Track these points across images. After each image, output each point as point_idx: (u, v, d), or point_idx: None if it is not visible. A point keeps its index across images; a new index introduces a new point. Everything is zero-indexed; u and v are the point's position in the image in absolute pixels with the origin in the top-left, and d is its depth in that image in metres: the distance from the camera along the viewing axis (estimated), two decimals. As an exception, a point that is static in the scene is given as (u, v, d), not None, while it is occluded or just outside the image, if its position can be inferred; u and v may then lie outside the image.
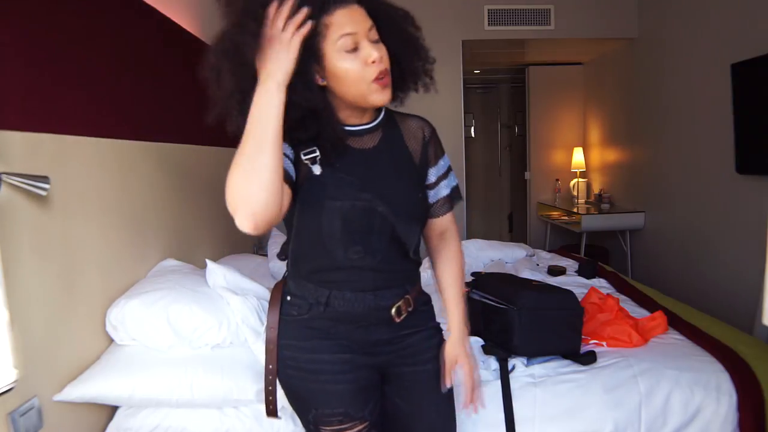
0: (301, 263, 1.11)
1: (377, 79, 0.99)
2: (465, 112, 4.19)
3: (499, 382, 1.55)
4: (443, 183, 1.19)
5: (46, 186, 1.21)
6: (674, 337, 1.83)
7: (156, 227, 1.96)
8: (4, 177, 1.13)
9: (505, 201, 6.50)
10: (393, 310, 1.11)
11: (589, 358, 1.63)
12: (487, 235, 4.62)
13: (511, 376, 1.57)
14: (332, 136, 1.03)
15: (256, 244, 3.37)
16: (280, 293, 1.15)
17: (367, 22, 0.99)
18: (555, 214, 4.84)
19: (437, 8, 3.88)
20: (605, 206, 4.36)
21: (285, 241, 1.17)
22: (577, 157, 4.98)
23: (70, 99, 1.47)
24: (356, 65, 0.98)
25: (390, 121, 1.15)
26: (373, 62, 0.97)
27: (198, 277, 1.78)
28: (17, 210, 1.22)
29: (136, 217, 1.80)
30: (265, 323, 1.19)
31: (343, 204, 1.03)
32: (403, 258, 1.12)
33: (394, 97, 1.09)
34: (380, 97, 1.01)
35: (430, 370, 1.18)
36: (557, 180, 5.12)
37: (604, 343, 1.75)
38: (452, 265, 1.23)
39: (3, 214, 1.17)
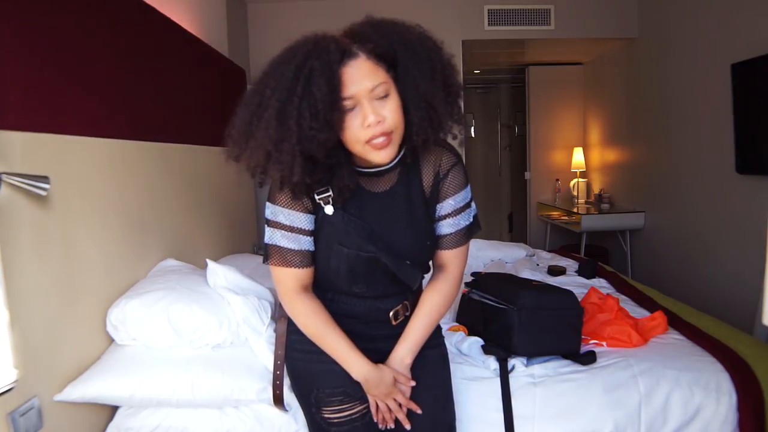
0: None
1: (370, 141, 0.97)
2: (465, 112, 4.20)
3: (498, 382, 1.55)
4: (449, 221, 1.16)
5: (46, 186, 1.21)
6: (674, 337, 1.83)
7: (156, 227, 1.96)
8: (4, 177, 1.14)
9: (505, 201, 6.50)
10: (391, 314, 1.18)
11: (589, 358, 1.63)
12: (487, 235, 4.62)
13: (511, 375, 1.57)
14: (343, 182, 1.04)
15: (256, 244, 3.37)
16: None
17: (372, 81, 0.95)
18: (555, 214, 4.84)
19: (437, 8, 3.88)
20: (605, 206, 4.36)
21: None
22: (577, 157, 4.98)
23: (70, 98, 1.47)
24: (354, 124, 0.97)
25: (413, 153, 1.12)
26: (367, 126, 0.96)
27: (198, 277, 1.78)
28: (17, 210, 1.22)
29: (136, 217, 1.80)
30: (271, 334, 1.33)
31: (349, 252, 1.07)
32: (402, 286, 1.17)
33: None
34: (377, 156, 0.99)
35: (427, 356, 1.21)
36: (557, 180, 5.12)
37: (604, 343, 1.75)
38: (434, 299, 1.19)
39: (3, 214, 1.17)
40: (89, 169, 1.55)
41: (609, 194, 4.47)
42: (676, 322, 1.92)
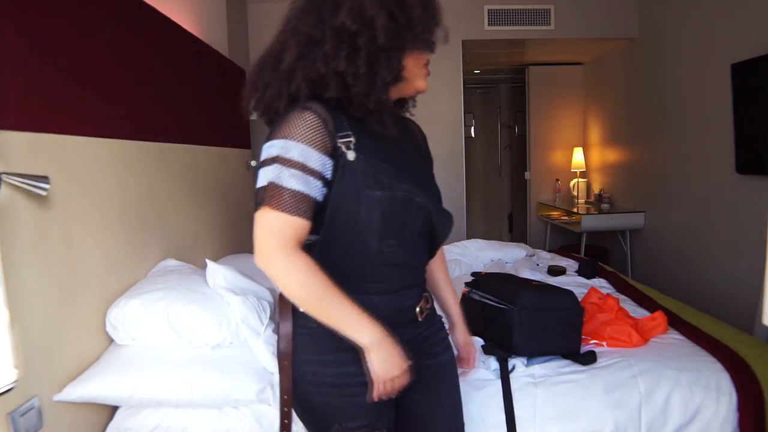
0: (326, 262, 0.99)
1: (427, 65, 1.06)
2: (465, 112, 4.19)
3: (499, 383, 1.55)
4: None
5: (46, 186, 1.21)
6: (674, 337, 1.83)
7: (156, 227, 1.96)
8: (4, 177, 1.13)
9: (505, 201, 6.49)
10: (417, 309, 1.11)
11: (589, 358, 1.63)
12: (487, 235, 4.62)
13: (512, 376, 1.57)
14: (384, 122, 1.04)
15: (256, 244, 3.36)
16: (290, 303, 1.05)
17: None
18: (555, 214, 4.84)
19: (437, 8, 3.88)
20: (605, 206, 4.36)
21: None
22: (577, 157, 4.97)
23: (70, 99, 1.47)
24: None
25: (399, 118, 1.16)
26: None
27: (198, 277, 1.78)
28: (17, 210, 1.22)
29: (136, 217, 1.80)
30: (270, 335, 1.15)
31: (383, 195, 0.98)
32: (425, 255, 1.12)
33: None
34: (425, 83, 1.07)
35: (444, 362, 1.18)
36: (557, 180, 5.12)
37: (604, 343, 1.75)
38: (441, 263, 1.28)
39: (3, 214, 1.17)
40: (89, 169, 1.55)
41: (609, 194, 4.47)
42: (676, 322, 1.92)
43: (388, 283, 1.06)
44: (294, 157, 0.92)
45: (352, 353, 1.00)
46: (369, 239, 1.00)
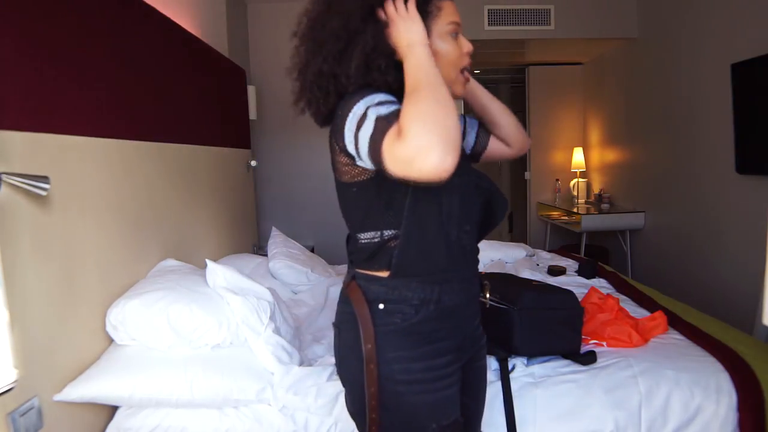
0: (411, 256, 0.99)
1: (464, 70, 1.04)
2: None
3: (499, 383, 1.55)
4: None
5: (46, 186, 1.21)
6: (674, 337, 1.83)
7: (156, 227, 1.96)
8: (4, 177, 1.14)
9: (505, 201, 6.49)
10: (488, 296, 1.15)
11: (589, 358, 1.63)
12: (487, 236, 4.62)
13: (512, 376, 1.57)
14: None
15: (256, 244, 3.37)
16: (365, 301, 1.00)
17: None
18: (555, 214, 4.84)
19: (437, 8, 3.87)
20: (605, 206, 4.36)
21: (371, 242, 1.01)
22: (577, 157, 4.98)
23: (70, 99, 1.47)
24: (456, 51, 1.02)
25: None
26: (467, 53, 1.03)
27: (198, 277, 1.78)
28: (17, 210, 1.22)
29: (136, 217, 1.80)
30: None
31: (460, 180, 0.96)
32: (478, 239, 1.15)
33: None
34: (462, 88, 1.07)
35: (484, 368, 1.21)
36: (557, 180, 5.12)
37: (604, 343, 1.75)
38: None
39: (3, 214, 1.17)
40: (89, 170, 1.55)
41: (609, 194, 4.47)
42: (676, 322, 1.92)
43: (463, 270, 1.08)
44: (381, 99, 0.91)
45: (434, 345, 1.02)
46: (450, 227, 1.00)
